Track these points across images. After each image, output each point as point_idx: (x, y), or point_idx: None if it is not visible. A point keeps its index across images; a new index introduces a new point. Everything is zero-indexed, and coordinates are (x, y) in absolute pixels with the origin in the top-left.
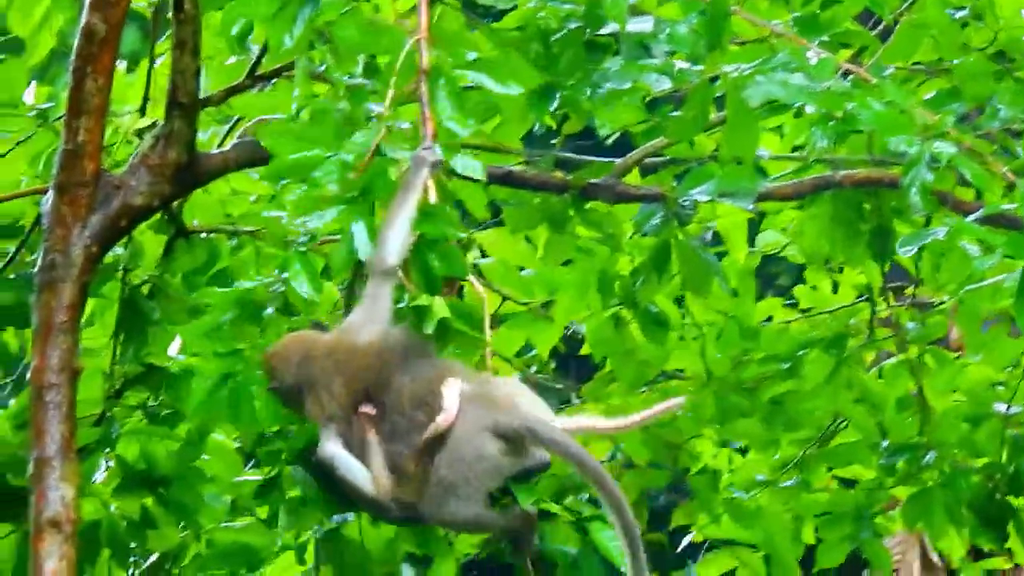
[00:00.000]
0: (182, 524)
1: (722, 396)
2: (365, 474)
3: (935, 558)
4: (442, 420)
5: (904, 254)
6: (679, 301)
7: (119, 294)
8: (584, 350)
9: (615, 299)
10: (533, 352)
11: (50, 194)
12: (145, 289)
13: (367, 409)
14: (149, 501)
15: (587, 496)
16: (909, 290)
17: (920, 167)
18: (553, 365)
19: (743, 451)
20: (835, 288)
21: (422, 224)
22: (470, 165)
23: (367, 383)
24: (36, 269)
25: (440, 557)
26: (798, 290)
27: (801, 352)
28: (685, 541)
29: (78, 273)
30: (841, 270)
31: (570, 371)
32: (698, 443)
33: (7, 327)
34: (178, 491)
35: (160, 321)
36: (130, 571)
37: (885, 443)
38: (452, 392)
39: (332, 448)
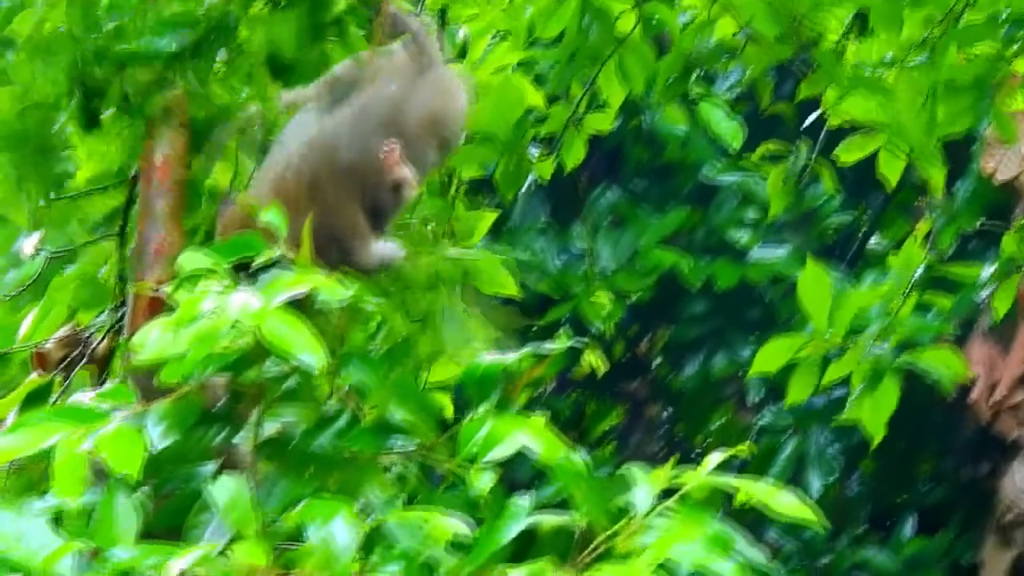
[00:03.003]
0: None
1: None
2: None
3: None
4: (410, 191)
5: None
6: None
7: None
8: None
9: None
10: None
11: None
12: None
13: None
14: (276, 89)
15: (703, 74)
16: None
17: None
18: None
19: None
20: None
21: None
22: None
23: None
24: None
25: None
26: None
27: None
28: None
29: None
30: None
31: None
32: (822, 18)
33: None
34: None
35: None
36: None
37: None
38: (393, 161)
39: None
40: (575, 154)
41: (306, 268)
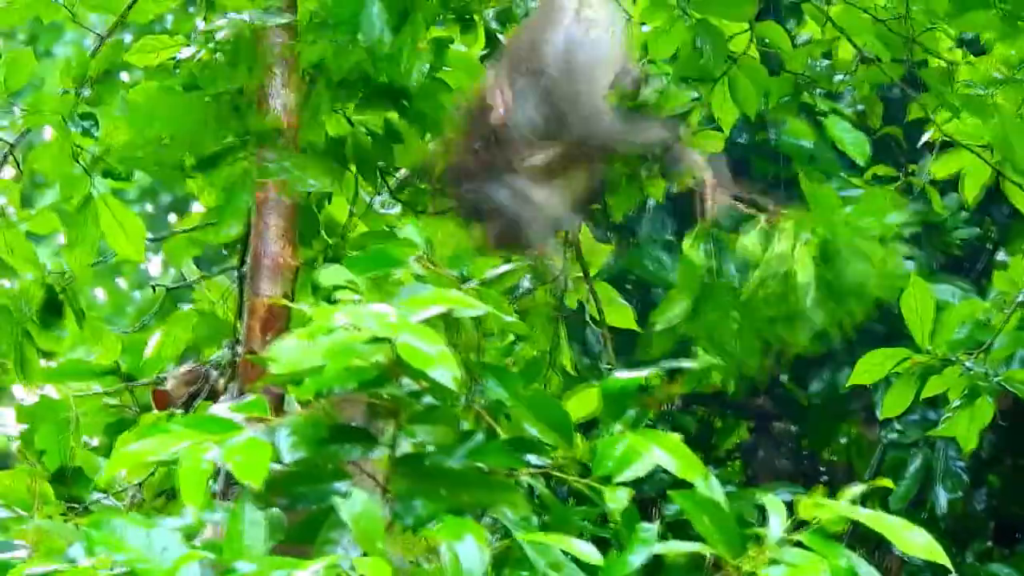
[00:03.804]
0: (427, 137)
1: None
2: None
3: None
4: (497, 118)
5: None
6: None
7: None
8: None
9: None
10: None
11: None
12: None
13: None
14: (394, 115)
15: (822, 91)
16: None
17: None
18: None
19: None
20: None
21: None
22: None
23: None
24: None
25: None
26: None
27: None
28: (924, 138)
29: None
30: None
31: None
32: (932, 37)
33: None
34: (422, 103)
35: None
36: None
37: None
38: (491, 83)
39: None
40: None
41: (442, 282)
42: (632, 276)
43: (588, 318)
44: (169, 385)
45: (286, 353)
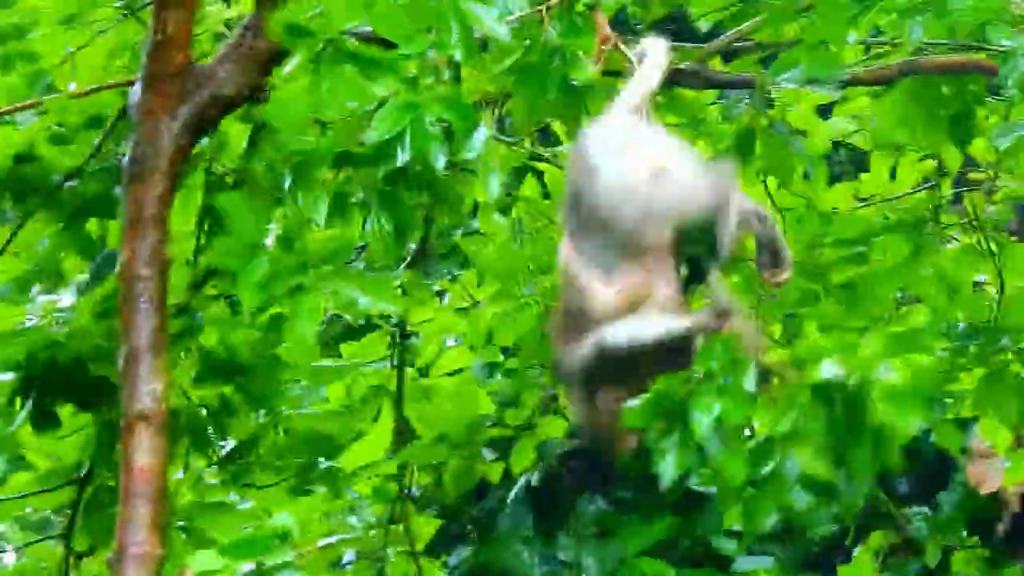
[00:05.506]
0: (260, 411)
1: (799, 280)
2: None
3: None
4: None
5: (998, 144)
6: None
7: (202, 183)
8: None
9: None
10: None
11: (138, 86)
12: (229, 179)
13: None
14: (228, 389)
15: None
16: (977, 174)
17: (1018, 59)
18: None
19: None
20: (894, 175)
21: None
22: None
23: None
24: (125, 162)
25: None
26: (865, 177)
27: (876, 238)
28: None
29: (167, 165)
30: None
31: None
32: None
33: (91, 217)
34: (257, 380)
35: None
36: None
37: (962, 327)
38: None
39: None
40: (524, 459)
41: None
42: (494, 571)
43: None
44: None
45: None
